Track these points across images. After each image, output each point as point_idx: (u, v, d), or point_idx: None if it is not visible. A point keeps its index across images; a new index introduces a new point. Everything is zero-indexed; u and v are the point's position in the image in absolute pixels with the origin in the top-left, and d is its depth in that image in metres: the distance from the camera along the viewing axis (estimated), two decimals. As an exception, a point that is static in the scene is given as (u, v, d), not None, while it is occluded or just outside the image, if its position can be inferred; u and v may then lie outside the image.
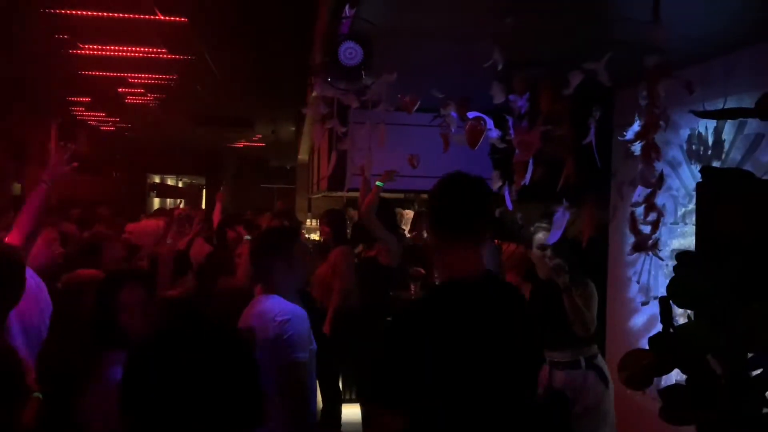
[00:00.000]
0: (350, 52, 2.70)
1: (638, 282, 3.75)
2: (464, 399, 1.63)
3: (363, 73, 2.77)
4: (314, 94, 2.99)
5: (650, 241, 2.53)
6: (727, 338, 1.84)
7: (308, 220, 10.69)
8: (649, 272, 3.68)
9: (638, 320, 3.78)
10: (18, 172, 9.11)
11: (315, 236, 9.50)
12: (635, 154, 3.04)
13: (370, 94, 2.95)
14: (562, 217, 3.00)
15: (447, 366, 1.62)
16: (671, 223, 3.55)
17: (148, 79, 6.97)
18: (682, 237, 3.46)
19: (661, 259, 3.15)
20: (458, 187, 1.80)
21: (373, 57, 2.79)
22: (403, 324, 1.73)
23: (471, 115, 3.19)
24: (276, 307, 2.44)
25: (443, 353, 1.63)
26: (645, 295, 3.63)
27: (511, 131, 3.09)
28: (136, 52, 5.77)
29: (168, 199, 15.49)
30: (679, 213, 3.53)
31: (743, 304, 1.81)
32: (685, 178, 3.45)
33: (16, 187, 9.35)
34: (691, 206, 3.41)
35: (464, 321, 1.68)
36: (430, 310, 1.72)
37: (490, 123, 3.18)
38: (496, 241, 4.75)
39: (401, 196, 6.81)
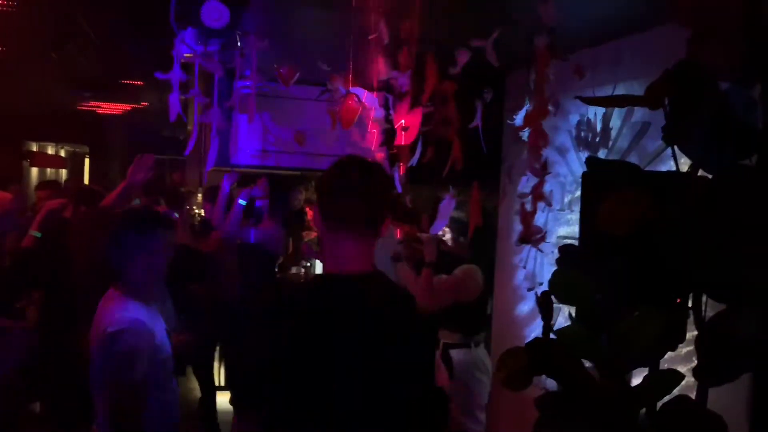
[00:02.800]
0: (215, 13, 2.36)
1: (524, 268, 3.66)
2: (322, 405, 1.51)
3: (231, 37, 2.44)
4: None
5: (537, 235, 2.39)
6: (606, 343, 1.72)
7: (200, 195, 10.09)
8: (535, 259, 3.59)
9: (524, 308, 3.72)
10: None
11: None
12: (524, 139, 2.95)
13: (238, 63, 2.62)
14: (447, 205, 2.90)
15: (306, 368, 1.51)
16: (558, 210, 3.49)
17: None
18: (568, 224, 3.40)
19: (541, 251, 3.09)
20: (350, 171, 1.62)
21: (243, 20, 2.46)
22: (266, 319, 1.60)
23: (353, 90, 2.93)
24: (111, 315, 2.18)
25: (304, 354, 1.51)
26: (530, 282, 3.54)
27: (392, 111, 2.86)
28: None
29: (48, 170, 14.32)
30: (566, 200, 3.46)
31: (622, 308, 1.71)
32: (573, 165, 3.38)
33: None
34: (578, 193, 3.35)
35: (331, 320, 1.54)
36: (296, 305, 1.59)
37: (374, 101, 2.94)
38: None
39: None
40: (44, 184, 5.35)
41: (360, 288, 1.59)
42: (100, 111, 11.44)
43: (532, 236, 2.49)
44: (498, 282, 4.05)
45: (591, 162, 1.96)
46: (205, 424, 4.41)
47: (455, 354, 3.35)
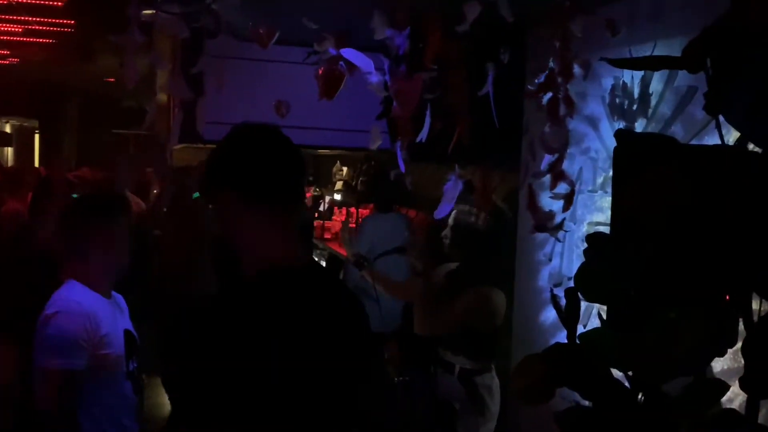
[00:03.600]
0: (178, -35, 2.36)
1: (550, 260, 3.70)
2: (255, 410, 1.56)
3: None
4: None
5: (551, 221, 2.40)
6: (636, 349, 1.73)
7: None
8: (562, 255, 3.64)
9: (550, 314, 3.73)
10: None
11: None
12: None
13: (204, 22, 2.62)
14: (453, 187, 2.92)
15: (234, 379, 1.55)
16: (588, 190, 3.50)
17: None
18: (601, 210, 3.40)
19: (560, 240, 3.07)
20: (261, 141, 1.70)
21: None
22: (192, 328, 1.62)
23: (343, 52, 2.93)
24: (53, 297, 2.37)
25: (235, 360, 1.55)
26: (556, 279, 3.56)
27: (387, 77, 2.89)
28: None
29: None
30: (599, 179, 3.46)
31: (660, 306, 1.69)
32: (607, 138, 3.38)
33: None
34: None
35: (265, 325, 1.58)
36: (230, 312, 1.61)
37: (369, 65, 2.95)
38: (402, 209, 4.67)
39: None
40: None
41: (297, 285, 1.64)
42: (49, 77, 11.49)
43: (547, 222, 2.46)
44: (518, 283, 4.04)
45: (621, 135, 1.95)
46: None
47: (481, 381, 3.33)
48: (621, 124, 3.28)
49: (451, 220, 3.29)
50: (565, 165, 3.00)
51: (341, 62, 2.92)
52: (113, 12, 2.57)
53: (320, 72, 3.03)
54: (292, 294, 1.62)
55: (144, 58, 2.60)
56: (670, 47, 2.91)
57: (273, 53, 3.37)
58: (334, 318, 1.68)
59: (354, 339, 1.73)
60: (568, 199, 2.71)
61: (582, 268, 1.89)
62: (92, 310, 2.37)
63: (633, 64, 2.19)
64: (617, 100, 3.31)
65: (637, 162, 1.85)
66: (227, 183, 1.65)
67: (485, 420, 3.28)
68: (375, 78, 3.00)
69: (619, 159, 2.02)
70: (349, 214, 6.92)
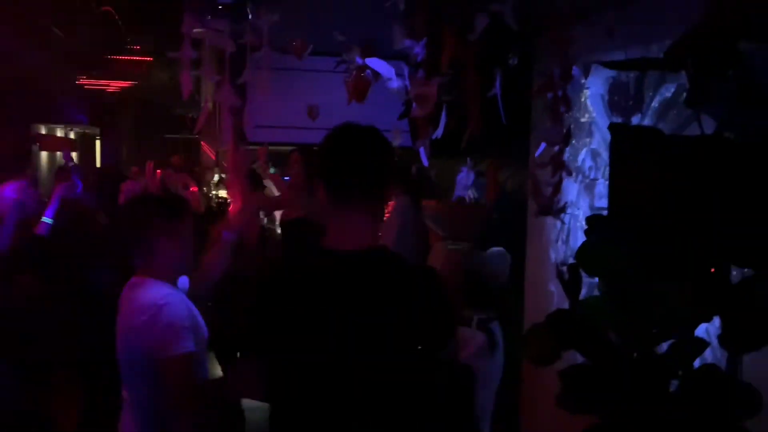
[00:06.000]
0: (225, -13, 2.70)
1: (557, 240, 4.23)
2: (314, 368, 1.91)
3: (241, 11, 2.74)
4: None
5: (556, 204, 3.01)
6: (631, 315, 1.86)
7: (215, 176, 12.31)
8: (568, 236, 4.20)
9: (559, 287, 4.07)
10: None
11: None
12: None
13: (248, 37, 2.95)
14: (465, 177, 3.37)
15: (301, 332, 1.90)
16: (591, 179, 4.09)
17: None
18: (604, 196, 3.95)
19: (563, 223, 3.67)
20: (346, 140, 1.95)
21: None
22: (269, 285, 2.00)
23: (368, 61, 3.30)
24: (147, 293, 2.57)
25: (299, 319, 1.89)
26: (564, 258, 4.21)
27: (407, 82, 3.49)
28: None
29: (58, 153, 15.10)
30: (601, 168, 4.06)
31: (649, 280, 1.85)
32: (606, 132, 4.02)
33: None
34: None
35: (324, 292, 1.90)
36: (292, 276, 1.96)
37: (390, 71, 3.28)
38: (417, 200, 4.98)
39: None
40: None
41: (357, 264, 1.88)
42: (109, 90, 13.59)
43: (550, 206, 2.98)
44: (530, 261, 4.65)
45: (616, 129, 2.21)
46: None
47: (497, 328, 3.60)
48: (619, 120, 3.78)
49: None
50: (571, 156, 3.48)
51: (368, 70, 3.23)
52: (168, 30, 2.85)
53: (350, 78, 3.54)
54: (350, 271, 1.86)
55: (196, 71, 2.90)
56: (663, 50, 3.15)
57: (307, 63, 3.90)
58: (393, 295, 1.87)
59: (419, 315, 1.88)
60: (556, 186, 3.20)
61: (583, 247, 2.04)
62: (186, 301, 2.64)
63: (622, 65, 2.55)
64: (615, 98, 3.84)
65: (631, 152, 1.99)
66: (318, 175, 1.96)
67: (495, 362, 3.57)
68: (396, 83, 3.58)
69: (614, 150, 2.35)
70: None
